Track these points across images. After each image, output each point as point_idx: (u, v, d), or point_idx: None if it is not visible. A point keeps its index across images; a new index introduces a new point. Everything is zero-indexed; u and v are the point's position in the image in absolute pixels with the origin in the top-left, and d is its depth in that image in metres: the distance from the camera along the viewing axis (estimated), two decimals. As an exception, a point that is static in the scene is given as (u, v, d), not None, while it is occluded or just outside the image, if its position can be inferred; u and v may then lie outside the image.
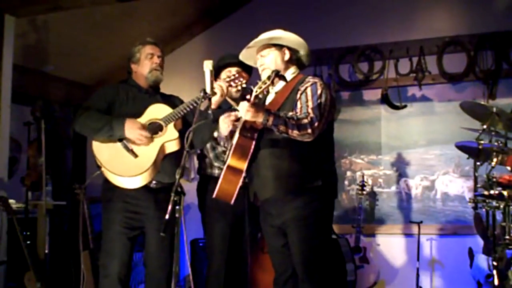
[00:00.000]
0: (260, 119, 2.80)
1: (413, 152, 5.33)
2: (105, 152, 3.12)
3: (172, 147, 3.18)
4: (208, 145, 3.62)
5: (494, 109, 3.94)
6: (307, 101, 2.89)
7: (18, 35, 4.66)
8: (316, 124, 2.81)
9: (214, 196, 2.99)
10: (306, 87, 2.92)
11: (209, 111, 3.10)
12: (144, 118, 3.17)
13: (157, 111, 3.19)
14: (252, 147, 2.92)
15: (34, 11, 4.59)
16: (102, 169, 3.14)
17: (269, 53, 3.05)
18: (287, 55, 3.05)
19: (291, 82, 3.02)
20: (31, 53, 5.21)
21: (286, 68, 3.06)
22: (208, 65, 2.96)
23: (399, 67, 5.36)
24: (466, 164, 5.01)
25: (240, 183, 2.91)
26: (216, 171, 3.62)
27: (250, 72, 3.67)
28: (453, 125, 4.97)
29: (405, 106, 5.30)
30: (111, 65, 5.95)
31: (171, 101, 3.37)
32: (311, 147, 2.89)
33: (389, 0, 5.49)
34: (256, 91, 2.87)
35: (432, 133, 5.27)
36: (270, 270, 4.34)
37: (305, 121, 2.81)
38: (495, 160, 3.86)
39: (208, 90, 2.96)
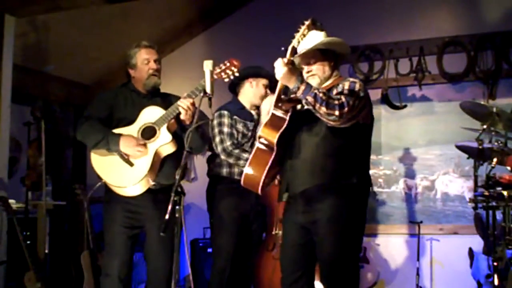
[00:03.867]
0: (292, 83, 2.71)
1: (413, 152, 5.33)
2: (103, 164, 3.16)
3: (168, 149, 3.18)
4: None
5: (494, 109, 3.94)
6: (342, 90, 2.82)
7: (18, 35, 4.65)
8: (345, 109, 2.68)
9: (242, 183, 2.88)
10: (345, 83, 2.87)
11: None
12: (138, 123, 3.19)
13: (150, 115, 3.19)
14: (285, 123, 2.80)
15: (34, 11, 4.59)
16: (103, 180, 3.20)
17: (317, 60, 2.95)
18: (333, 62, 2.99)
19: (332, 83, 2.96)
20: (31, 53, 5.21)
21: (332, 73, 2.99)
22: (208, 65, 2.96)
23: (399, 67, 5.36)
24: (466, 164, 5.01)
25: (269, 164, 2.77)
26: (224, 170, 3.71)
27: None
28: (453, 125, 4.97)
29: (405, 106, 5.30)
30: (111, 65, 5.95)
31: (170, 101, 3.35)
32: (348, 144, 2.83)
33: (389, 0, 5.49)
34: (293, 42, 2.76)
35: (432, 133, 5.27)
36: (274, 269, 4.35)
37: (336, 102, 2.69)
38: (495, 160, 3.86)
39: (208, 90, 2.96)
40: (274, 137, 2.76)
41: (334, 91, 2.85)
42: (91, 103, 3.39)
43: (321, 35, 2.98)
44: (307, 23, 2.82)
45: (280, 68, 2.72)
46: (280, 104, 2.83)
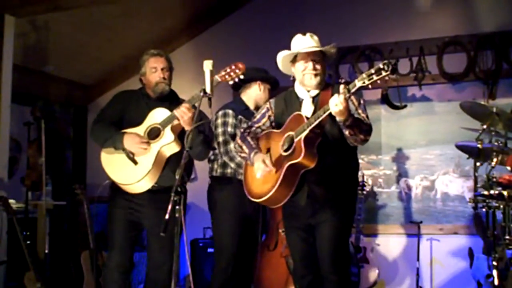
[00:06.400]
0: (343, 116, 2.73)
1: (413, 152, 5.33)
2: (111, 163, 3.31)
3: (172, 149, 3.27)
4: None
5: (494, 109, 3.94)
6: (356, 109, 2.95)
7: (18, 35, 4.66)
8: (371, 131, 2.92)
9: (259, 200, 2.97)
10: (353, 100, 2.97)
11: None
12: (145, 124, 3.31)
13: (157, 116, 3.31)
14: (316, 145, 2.87)
15: (34, 11, 4.60)
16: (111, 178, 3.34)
17: (321, 59, 3.01)
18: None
19: (329, 85, 3.06)
20: (31, 53, 5.22)
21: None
22: (208, 65, 2.96)
23: (399, 67, 5.35)
24: (466, 164, 5.01)
25: (296, 185, 2.88)
26: (229, 170, 3.71)
27: (275, 88, 3.91)
28: (453, 125, 4.97)
29: (405, 106, 5.30)
30: (111, 65, 5.95)
31: (179, 105, 3.39)
32: (353, 152, 3.04)
33: (389, 0, 5.49)
34: (364, 82, 2.65)
35: (432, 133, 5.27)
36: (275, 268, 4.35)
37: (367, 127, 2.89)
38: (495, 160, 3.86)
39: (208, 90, 2.97)
40: (313, 162, 2.83)
41: None
42: (106, 104, 3.55)
43: (314, 35, 3.08)
44: (387, 70, 2.65)
45: (339, 103, 2.68)
46: (316, 130, 2.85)
